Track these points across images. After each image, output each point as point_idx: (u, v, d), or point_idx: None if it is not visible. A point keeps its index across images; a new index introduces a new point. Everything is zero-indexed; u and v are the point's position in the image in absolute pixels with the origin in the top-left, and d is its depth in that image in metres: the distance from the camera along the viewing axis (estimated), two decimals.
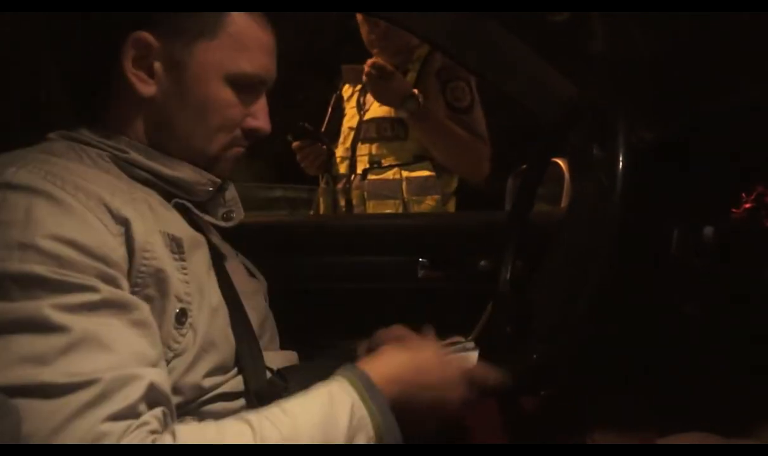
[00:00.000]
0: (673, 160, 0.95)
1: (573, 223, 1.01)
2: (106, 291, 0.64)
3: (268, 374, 0.84)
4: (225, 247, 0.92)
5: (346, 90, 2.00)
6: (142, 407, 0.62)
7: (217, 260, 0.84)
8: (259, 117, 0.85)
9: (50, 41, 0.86)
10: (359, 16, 1.89)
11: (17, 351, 0.59)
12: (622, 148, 0.74)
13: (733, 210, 0.82)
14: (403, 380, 0.77)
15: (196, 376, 0.73)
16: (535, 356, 0.80)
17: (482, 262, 1.45)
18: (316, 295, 1.43)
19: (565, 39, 1.22)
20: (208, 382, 0.75)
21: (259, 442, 0.65)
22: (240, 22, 0.80)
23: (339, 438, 0.69)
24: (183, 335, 0.72)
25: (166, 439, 0.63)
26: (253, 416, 0.68)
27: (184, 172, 0.81)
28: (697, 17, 0.91)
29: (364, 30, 1.88)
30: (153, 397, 0.63)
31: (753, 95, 0.90)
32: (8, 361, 0.58)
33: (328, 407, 0.70)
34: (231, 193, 0.90)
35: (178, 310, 0.72)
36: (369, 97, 1.88)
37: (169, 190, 0.81)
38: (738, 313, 0.82)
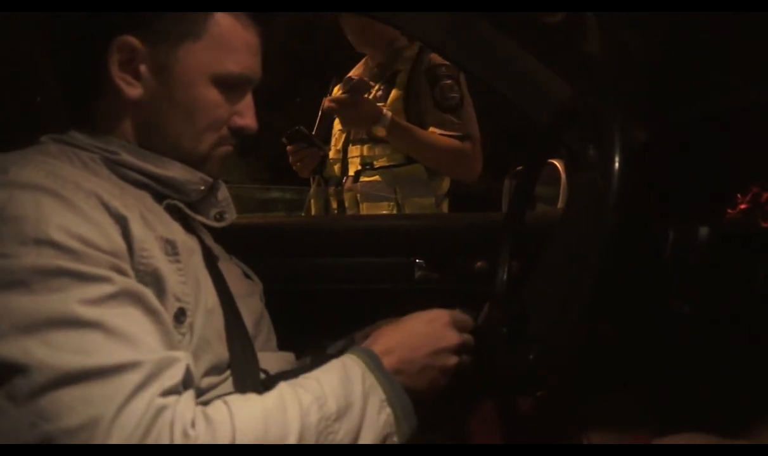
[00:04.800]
0: (668, 161, 0.95)
1: (570, 223, 1.01)
2: (121, 281, 0.65)
3: (263, 376, 0.84)
4: (218, 249, 0.92)
5: (337, 92, 2.00)
6: (185, 384, 0.66)
7: (211, 262, 0.84)
8: (246, 115, 0.86)
9: (46, 44, 0.86)
10: (340, 21, 1.88)
11: (58, 346, 0.59)
12: (618, 148, 0.74)
13: (729, 210, 0.82)
14: (396, 348, 0.82)
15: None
16: (531, 357, 0.80)
17: (479, 263, 1.45)
18: (312, 297, 1.43)
19: (559, 40, 1.23)
20: (204, 383, 0.76)
21: (297, 402, 0.69)
22: (224, 22, 0.80)
23: (357, 399, 0.73)
24: (183, 334, 0.73)
25: (220, 406, 0.66)
26: (284, 384, 0.71)
27: (175, 171, 0.81)
28: (691, 17, 0.91)
29: (346, 33, 1.89)
30: (189, 377, 0.66)
31: (749, 95, 0.90)
32: (52, 355, 0.59)
33: (343, 375, 0.75)
34: (223, 193, 0.90)
35: (176, 310, 0.73)
36: None
37: (161, 191, 0.81)
38: (734, 313, 0.82)
